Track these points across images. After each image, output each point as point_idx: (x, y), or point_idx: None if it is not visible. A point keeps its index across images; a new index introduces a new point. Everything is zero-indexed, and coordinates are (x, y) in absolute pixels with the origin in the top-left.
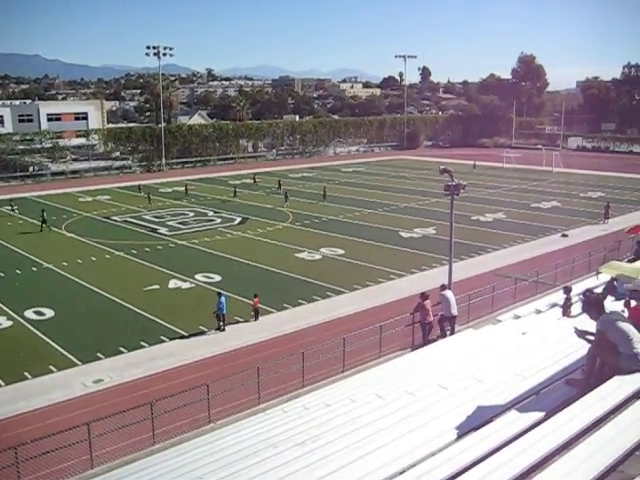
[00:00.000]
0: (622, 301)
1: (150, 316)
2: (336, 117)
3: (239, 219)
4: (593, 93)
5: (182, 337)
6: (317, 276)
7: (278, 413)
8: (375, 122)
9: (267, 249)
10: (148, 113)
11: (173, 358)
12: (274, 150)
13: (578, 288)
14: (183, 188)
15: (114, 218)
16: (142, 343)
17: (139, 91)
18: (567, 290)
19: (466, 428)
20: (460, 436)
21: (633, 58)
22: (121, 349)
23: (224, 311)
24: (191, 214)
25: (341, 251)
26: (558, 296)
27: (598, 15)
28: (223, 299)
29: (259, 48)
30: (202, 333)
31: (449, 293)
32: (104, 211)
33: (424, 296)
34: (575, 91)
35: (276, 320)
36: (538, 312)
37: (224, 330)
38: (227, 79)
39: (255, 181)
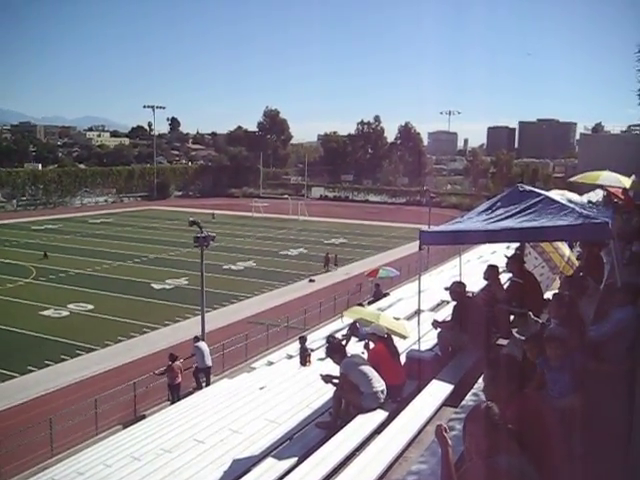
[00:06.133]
0: (363, 342)
1: None
2: (82, 166)
3: None
4: (332, 146)
5: None
6: (65, 334)
7: None
8: (124, 172)
9: (8, 308)
10: None
11: None
12: (14, 200)
13: (324, 332)
14: None
15: None
16: None
17: None
18: (302, 340)
19: None
20: None
21: (365, 116)
22: None
23: None
24: None
25: (90, 306)
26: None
27: (334, 74)
28: None
29: None
30: None
31: (202, 344)
32: None
33: (173, 357)
34: (316, 144)
35: (19, 385)
36: (290, 357)
37: None
38: None
39: None
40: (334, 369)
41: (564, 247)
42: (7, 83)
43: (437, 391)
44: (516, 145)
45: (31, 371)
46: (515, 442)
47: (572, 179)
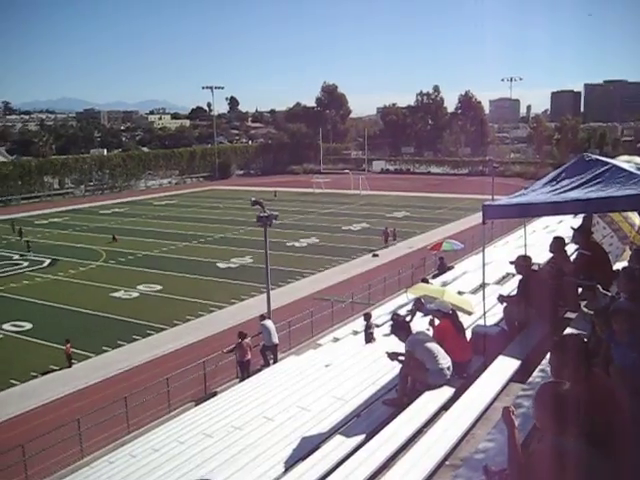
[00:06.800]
0: (429, 317)
1: None
2: (146, 149)
3: (49, 261)
4: (392, 119)
5: None
6: (136, 314)
7: (104, 465)
8: (186, 153)
9: (81, 291)
10: None
11: None
12: (82, 186)
13: (389, 307)
14: None
15: None
16: None
17: None
18: (367, 317)
19: (294, 459)
20: (288, 468)
21: (424, 86)
22: None
23: None
24: None
25: (158, 287)
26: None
27: (392, 45)
28: None
29: (60, 80)
30: (12, 387)
31: (269, 322)
32: None
33: (242, 334)
34: (376, 117)
35: (95, 364)
36: (355, 333)
37: None
38: (27, 113)
39: (21, 233)
40: (399, 345)
41: (634, 216)
42: (71, 72)
43: (504, 367)
44: (582, 109)
45: (105, 351)
46: (584, 424)
47: None
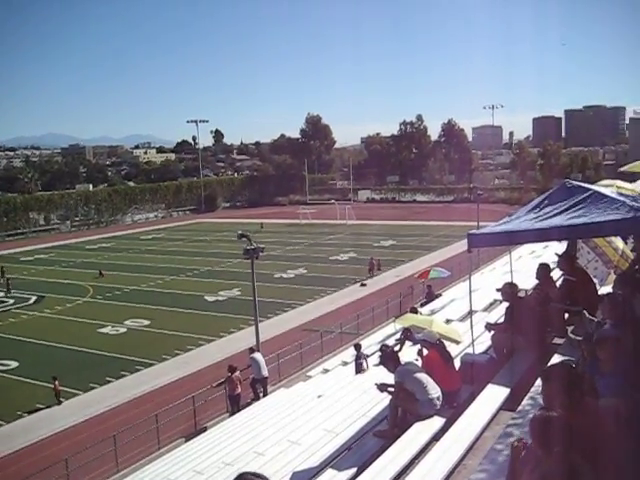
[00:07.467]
0: (417, 347)
1: None
2: (132, 184)
3: (35, 298)
4: (376, 148)
5: None
6: (124, 350)
7: None
8: (172, 187)
9: (68, 327)
10: None
11: None
12: (68, 222)
13: (378, 336)
14: None
15: None
16: None
17: None
18: (357, 347)
19: None
20: None
21: (408, 116)
22: None
23: None
24: None
25: (146, 322)
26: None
27: (375, 76)
28: None
29: (45, 116)
30: None
31: (258, 355)
32: None
33: (232, 368)
34: (360, 147)
35: (83, 402)
36: (345, 364)
37: None
38: (11, 149)
39: (3, 271)
40: (389, 375)
41: (617, 240)
42: (56, 108)
43: (493, 396)
44: (563, 134)
45: (93, 388)
46: (573, 452)
47: (622, 169)
